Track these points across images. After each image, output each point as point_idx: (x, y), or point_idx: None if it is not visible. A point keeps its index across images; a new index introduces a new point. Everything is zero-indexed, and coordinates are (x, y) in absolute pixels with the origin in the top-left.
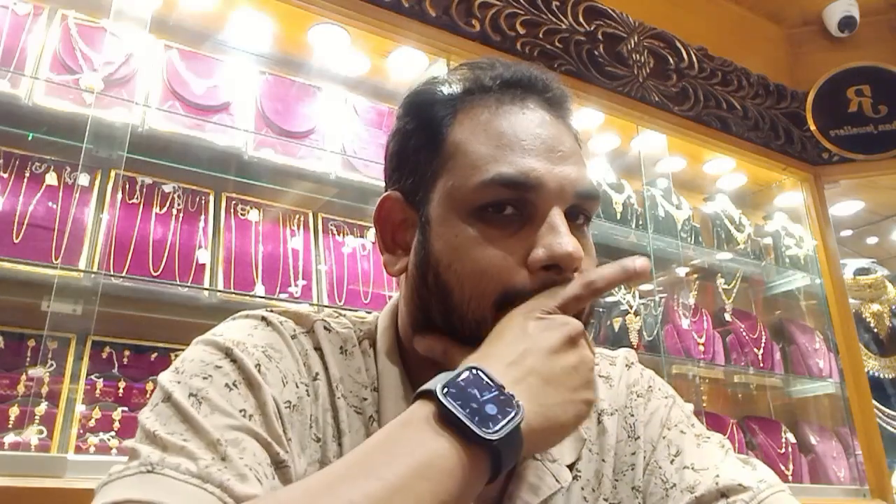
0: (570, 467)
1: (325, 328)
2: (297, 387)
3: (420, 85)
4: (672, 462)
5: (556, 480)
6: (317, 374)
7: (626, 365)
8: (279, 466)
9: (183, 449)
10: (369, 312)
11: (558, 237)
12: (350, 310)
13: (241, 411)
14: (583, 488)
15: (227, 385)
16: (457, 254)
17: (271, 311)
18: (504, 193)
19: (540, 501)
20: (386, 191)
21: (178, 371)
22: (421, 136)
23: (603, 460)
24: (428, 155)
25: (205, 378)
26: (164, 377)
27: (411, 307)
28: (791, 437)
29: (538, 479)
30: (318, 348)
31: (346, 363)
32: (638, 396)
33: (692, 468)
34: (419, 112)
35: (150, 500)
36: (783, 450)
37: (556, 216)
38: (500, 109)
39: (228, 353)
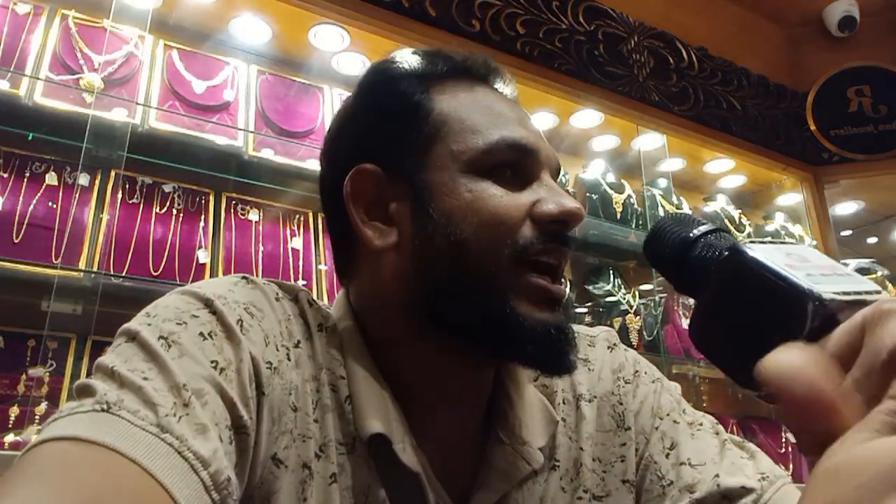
0: (544, 452)
1: (308, 301)
2: (278, 349)
3: (378, 67)
4: (667, 456)
5: (528, 463)
6: (298, 341)
7: (608, 347)
8: (238, 431)
9: (141, 389)
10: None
11: (562, 196)
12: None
13: (212, 362)
14: (561, 478)
15: (201, 334)
16: (472, 206)
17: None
18: (508, 155)
19: (512, 487)
20: (340, 168)
21: (148, 315)
22: (399, 109)
23: (581, 448)
24: (413, 125)
25: (179, 323)
26: (132, 321)
27: (411, 282)
28: (791, 437)
29: (508, 464)
30: (302, 316)
31: (325, 339)
32: (626, 383)
33: (689, 464)
34: (391, 87)
35: (101, 441)
36: (783, 450)
37: (551, 180)
38: (473, 88)
39: (209, 304)
